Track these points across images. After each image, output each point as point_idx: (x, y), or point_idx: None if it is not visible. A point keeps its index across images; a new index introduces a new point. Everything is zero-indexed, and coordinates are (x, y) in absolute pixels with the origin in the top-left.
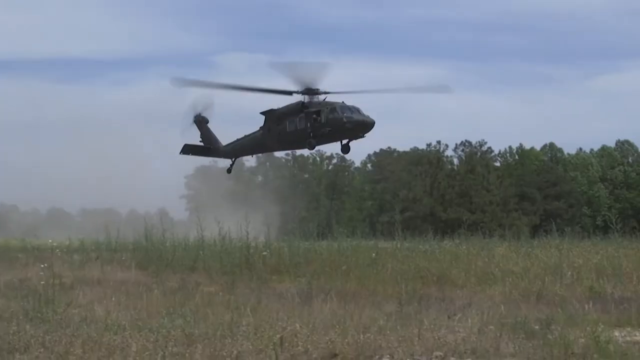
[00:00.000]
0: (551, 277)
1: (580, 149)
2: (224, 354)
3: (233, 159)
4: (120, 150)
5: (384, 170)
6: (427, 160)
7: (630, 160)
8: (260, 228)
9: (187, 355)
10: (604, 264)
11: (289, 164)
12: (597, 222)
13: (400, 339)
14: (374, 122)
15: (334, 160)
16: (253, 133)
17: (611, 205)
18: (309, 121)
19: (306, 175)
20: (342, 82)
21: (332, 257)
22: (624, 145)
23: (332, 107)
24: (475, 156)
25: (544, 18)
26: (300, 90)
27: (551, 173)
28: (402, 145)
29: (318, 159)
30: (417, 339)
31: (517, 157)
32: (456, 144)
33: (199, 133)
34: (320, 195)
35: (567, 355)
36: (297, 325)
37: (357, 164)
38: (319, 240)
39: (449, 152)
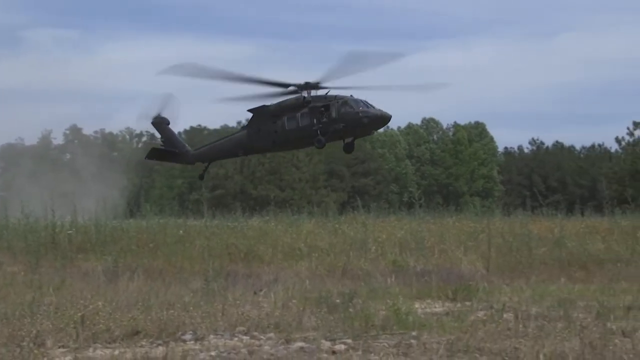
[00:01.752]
0: (356, 252)
1: (388, 126)
2: (23, 333)
3: (207, 164)
4: None
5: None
6: None
7: (435, 137)
8: (69, 206)
9: None
10: (408, 238)
11: (97, 142)
12: (403, 199)
13: (204, 315)
14: (391, 117)
15: (144, 138)
16: (233, 134)
17: (418, 181)
18: (315, 117)
19: (115, 154)
20: (158, 59)
21: (140, 234)
22: (429, 123)
23: (344, 100)
24: None
25: None
26: (298, 84)
27: (359, 150)
28: (213, 122)
29: (127, 136)
30: (221, 314)
31: None
32: None
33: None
34: (130, 173)
35: (368, 328)
36: (100, 303)
37: None
38: (128, 218)
39: None
